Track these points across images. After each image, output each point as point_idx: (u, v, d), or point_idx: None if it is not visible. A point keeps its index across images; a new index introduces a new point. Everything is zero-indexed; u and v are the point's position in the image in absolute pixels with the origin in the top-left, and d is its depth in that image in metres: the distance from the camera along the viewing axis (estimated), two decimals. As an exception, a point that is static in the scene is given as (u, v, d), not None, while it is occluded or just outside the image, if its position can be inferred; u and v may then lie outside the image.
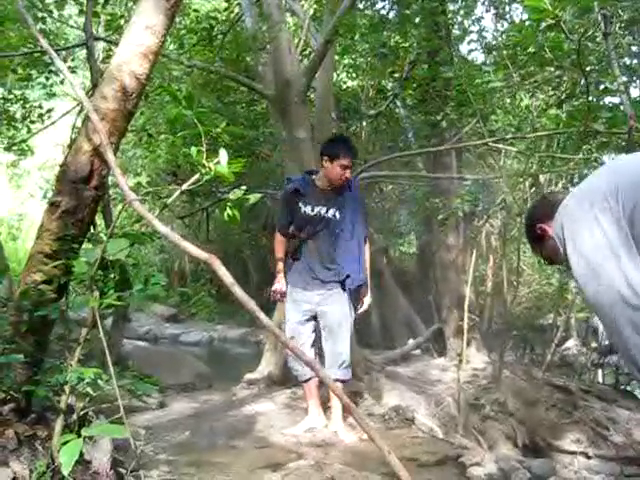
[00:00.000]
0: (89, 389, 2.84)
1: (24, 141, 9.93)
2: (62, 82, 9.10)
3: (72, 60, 9.93)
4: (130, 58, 3.03)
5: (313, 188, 4.65)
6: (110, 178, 3.61)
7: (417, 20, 7.83)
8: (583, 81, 5.01)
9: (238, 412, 5.22)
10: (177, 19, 7.30)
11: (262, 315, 2.39)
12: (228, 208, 2.97)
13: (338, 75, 10.77)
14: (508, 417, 5.31)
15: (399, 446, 4.27)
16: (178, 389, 6.34)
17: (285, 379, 6.08)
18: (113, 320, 6.15)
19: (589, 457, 4.96)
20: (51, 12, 7.69)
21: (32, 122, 9.37)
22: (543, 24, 4.24)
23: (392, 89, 9.52)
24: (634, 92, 7.19)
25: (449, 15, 8.20)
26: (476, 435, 5.01)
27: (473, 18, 8.71)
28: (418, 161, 10.60)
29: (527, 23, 5.42)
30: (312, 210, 4.59)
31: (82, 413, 2.87)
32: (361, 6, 8.98)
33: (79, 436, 2.55)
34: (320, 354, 4.79)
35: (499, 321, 8.73)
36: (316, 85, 7.59)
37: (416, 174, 9.70)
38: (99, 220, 5.02)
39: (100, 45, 8.23)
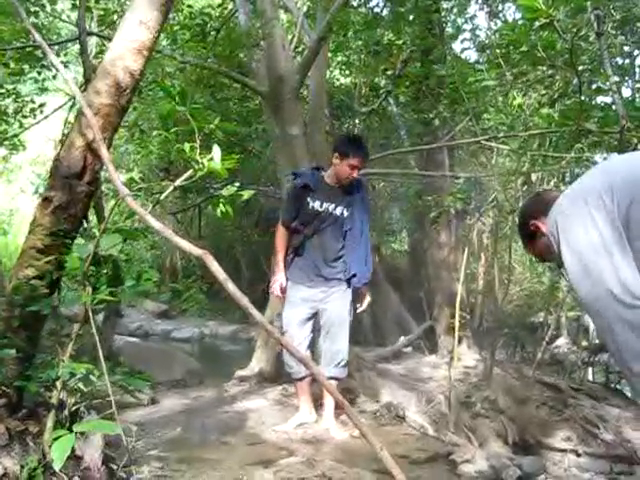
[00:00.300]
0: (81, 385, 2.84)
1: (16, 136, 9.89)
2: (55, 77, 9.08)
3: (64, 55, 9.86)
4: (124, 53, 3.03)
5: (322, 184, 4.62)
6: (102, 173, 3.60)
7: (411, 18, 7.85)
8: (576, 80, 5.03)
9: (229, 409, 5.22)
10: (171, 15, 7.27)
11: (255, 311, 2.39)
12: (221, 204, 2.97)
13: (331, 72, 10.78)
14: (499, 415, 5.31)
15: (390, 443, 4.28)
16: (169, 385, 6.33)
17: (276, 376, 6.08)
18: (105, 316, 6.15)
19: (579, 455, 4.97)
20: (44, 6, 7.66)
21: (24, 117, 9.35)
22: (536, 23, 4.25)
23: (385, 87, 9.53)
24: (626, 92, 7.21)
25: (443, 13, 8.24)
26: (467, 432, 5.01)
27: (466, 16, 8.77)
28: (410, 159, 10.62)
29: (520, 22, 5.43)
30: (321, 206, 4.56)
31: (74, 409, 2.88)
32: (355, 3, 8.98)
33: (71, 432, 2.55)
34: (312, 350, 4.79)
35: (490, 319, 8.74)
36: (309, 82, 7.59)
37: (408, 172, 9.73)
38: (91, 216, 5.01)
39: (93, 40, 8.20)
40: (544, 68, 5.62)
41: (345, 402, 2.37)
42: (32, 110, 9.34)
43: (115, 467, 3.05)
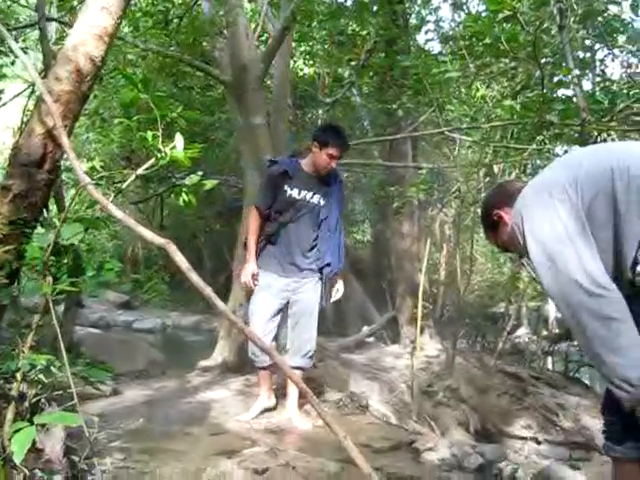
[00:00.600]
0: (41, 376, 2.80)
1: (-27, 123, 9.71)
2: (13, 63, 8.87)
3: (23, 41, 9.66)
4: (85, 39, 2.98)
5: (300, 172, 4.56)
6: (63, 162, 3.54)
7: (375, 8, 7.85)
8: (538, 73, 5.08)
9: (192, 399, 5.19)
10: (133, 1, 7.17)
11: (218, 301, 2.38)
12: (184, 194, 2.95)
13: (295, 62, 10.75)
14: (460, 403, 5.38)
15: (354, 432, 4.29)
16: (132, 376, 6.27)
17: (239, 366, 6.07)
18: (65, 306, 6.06)
19: (539, 442, 5.06)
20: (2, -10, 7.50)
21: (-19, 104, 9.14)
22: (500, 15, 4.29)
23: (349, 77, 9.56)
24: (587, 85, 7.31)
25: (407, 4, 8.25)
26: (429, 421, 5.07)
27: (431, 8, 8.81)
28: (374, 149, 10.67)
29: (484, 14, 5.47)
30: (299, 194, 4.50)
31: (34, 400, 2.83)
32: (319, -7, 8.95)
33: (31, 424, 2.52)
34: (277, 341, 4.77)
35: (452, 309, 8.84)
36: (273, 72, 7.57)
37: (372, 162, 9.77)
38: (52, 205, 4.93)
39: (53, 26, 8.04)
40: (507, 60, 5.67)
41: (309, 391, 2.37)
42: (-11, 97, 9.15)
43: (77, 459, 3.01)
